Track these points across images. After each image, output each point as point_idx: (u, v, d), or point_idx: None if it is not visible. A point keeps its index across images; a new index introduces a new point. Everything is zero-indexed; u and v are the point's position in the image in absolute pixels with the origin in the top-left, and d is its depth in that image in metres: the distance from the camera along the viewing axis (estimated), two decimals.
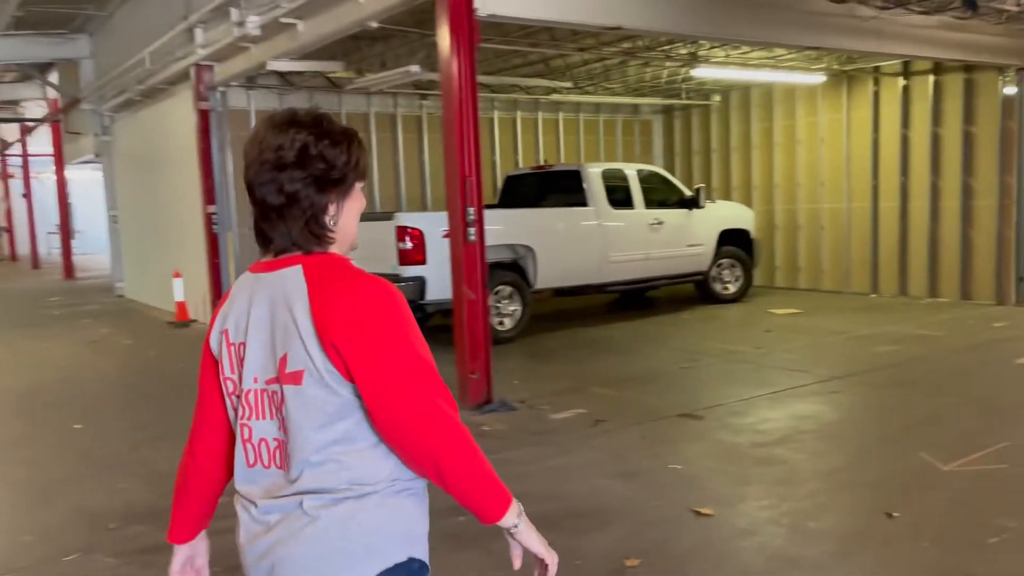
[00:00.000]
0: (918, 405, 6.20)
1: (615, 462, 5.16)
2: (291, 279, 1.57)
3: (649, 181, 10.77)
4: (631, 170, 10.86)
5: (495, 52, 9.84)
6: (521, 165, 13.34)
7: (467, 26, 6.27)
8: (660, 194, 10.72)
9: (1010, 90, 10.33)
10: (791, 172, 12.97)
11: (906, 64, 11.30)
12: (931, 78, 11.10)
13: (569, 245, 9.95)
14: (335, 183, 1.60)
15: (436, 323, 9.01)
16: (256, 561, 1.60)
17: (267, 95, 11.39)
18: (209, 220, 11.10)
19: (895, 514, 4.16)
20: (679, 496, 4.55)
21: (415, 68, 9.10)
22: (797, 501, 4.49)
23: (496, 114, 13.44)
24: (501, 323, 9.23)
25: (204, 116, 10.93)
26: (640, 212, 10.45)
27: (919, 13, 8.68)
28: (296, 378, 1.53)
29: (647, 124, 15.34)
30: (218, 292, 11.00)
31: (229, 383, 1.66)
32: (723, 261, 11.45)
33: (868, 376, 7.15)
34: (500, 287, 9.25)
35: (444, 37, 6.36)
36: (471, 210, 6.41)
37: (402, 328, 1.55)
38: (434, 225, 8.34)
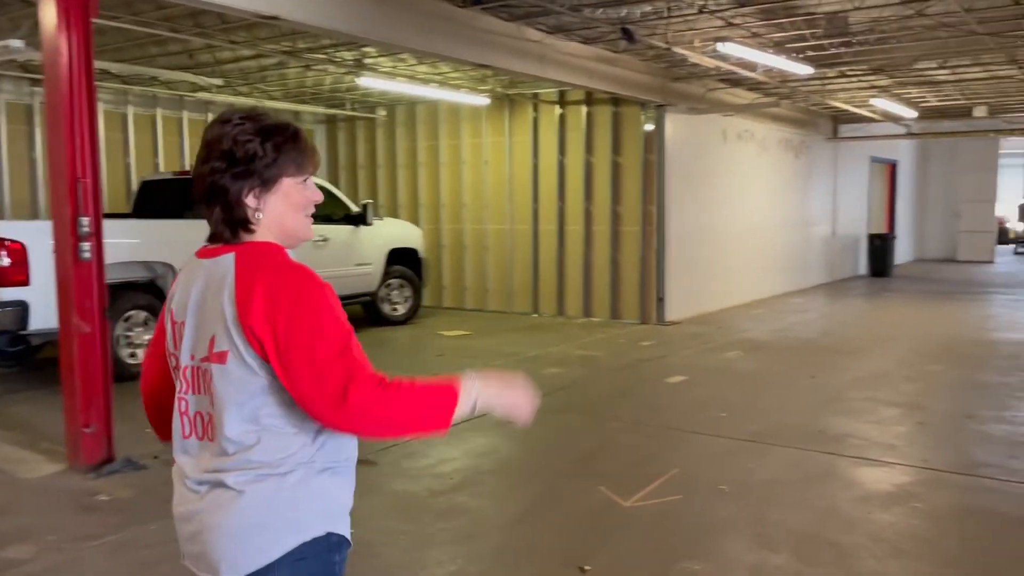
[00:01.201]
0: (590, 432, 6.10)
1: None
2: (224, 266, 1.68)
3: None
4: None
5: (127, 35, 8.32)
6: (162, 169, 11.69)
7: None
8: (324, 209, 9.77)
9: (650, 126, 11.14)
10: (457, 192, 12.90)
11: (562, 93, 11.75)
12: (584, 108, 11.65)
13: None
14: (250, 175, 1.69)
15: (48, 355, 7.29)
16: (186, 529, 1.72)
17: None
18: None
19: (587, 567, 3.80)
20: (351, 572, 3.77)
21: (17, 43, 7.31)
22: (484, 562, 3.96)
23: (132, 109, 11.62)
24: (133, 355, 7.73)
25: None
26: None
27: (579, 42, 8.90)
28: (221, 357, 1.64)
29: (308, 133, 14.39)
30: None
31: (172, 358, 1.79)
32: (392, 281, 10.95)
33: (541, 402, 6.99)
34: (132, 312, 7.76)
35: (48, 5, 4.99)
36: (85, 220, 5.07)
37: (316, 314, 1.62)
38: (42, 237, 6.67)
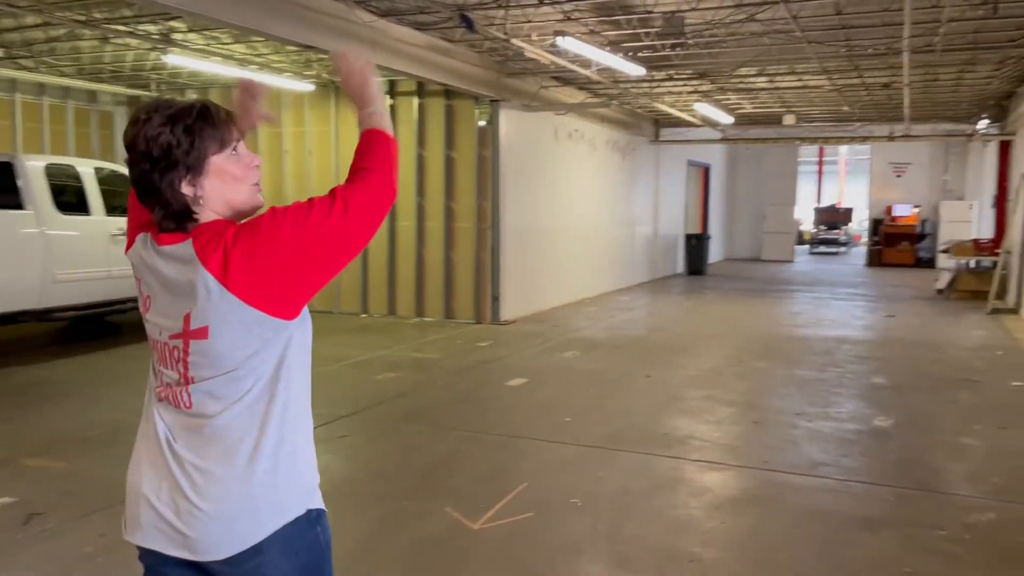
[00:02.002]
0: (431, 444, 5.69)
1: None
2: (186, 253, 1.65)
3: (111, 183, 8.79)
4: (87, 168, 8.77)
5: None
6: None
7: None
8: (126, 198, 8.81)
9: (484, 121, 10.87)
10: (279, 183, 12.03)
11: (393, 83, 11.25)
12: (416, 100, 11.20)
13: None
14: (174, 167, 1.65)
15: None
16: (153, 500, 1.69)
17: None
18: None
19: None
20: None
21: None
22: None
23: None
24: None
25: None
26: (99, 219, 8.46)
27: (413, 28, 8.45)
28: (202, 333, 1.63)
29: (107, 115, 12.97)
30: None
31: (146, 323, 1.77)
32: None
33: (376, 411, 6.51)
34: None
35: None
36: None
37: (268, 217, 1.62)
38: None
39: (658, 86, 11.77)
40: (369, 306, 11.70)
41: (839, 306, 13.27)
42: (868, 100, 12.95)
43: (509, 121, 11.11)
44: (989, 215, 18.53)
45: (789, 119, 14.06)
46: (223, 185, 1.70)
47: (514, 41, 7.80)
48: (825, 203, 29.51)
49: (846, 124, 16.36)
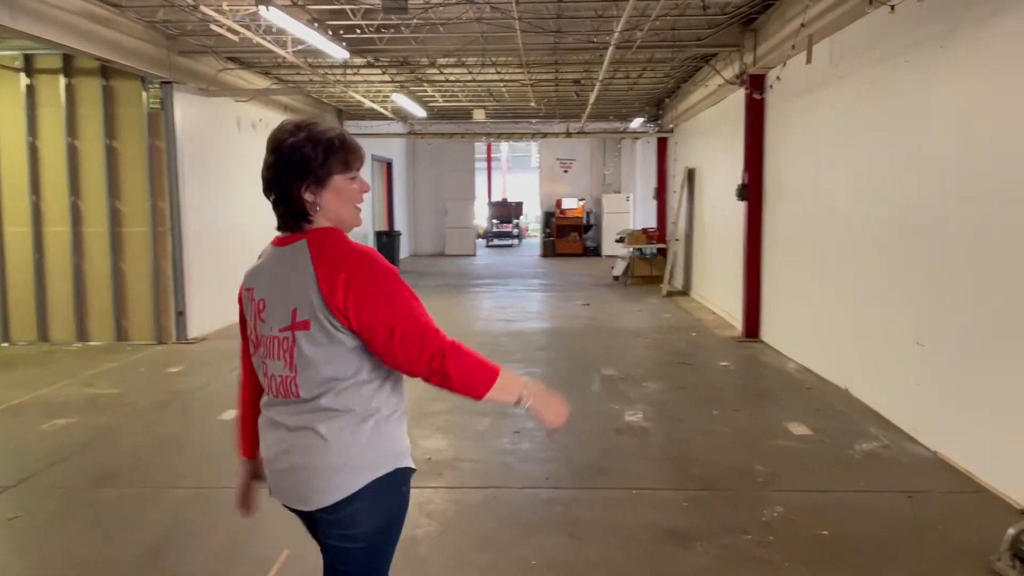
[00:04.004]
0: (143, 513, 4.43)
1: None
2: (299, 250, 2.02)
3: None
4: None
5: None
6: None
7: None
8: None
9: (155, 105, 9.25)
10: None
11: (29, 58, 9.15)
12: (62, 79, 9.21)
13: None
14: (305, 175, 2.01)
15: None
16: (276, 467, 2.10)
17: None
18: None
19: None
20: None
21: None
22: None
23: None
24: None
25: None
26: None
27: None
28: (305, 325, 1.98)
29: None
30: None
31: (251, 331, 2.14)
32: None
33: (53, 475, 5.00)
34: None
35: None
36: None
37: (386, 280, 2.00)
38: None
39: (356, 73, 10.96)
40: (10, 332, 9.46)
41: (537, 297, 13.56)
42: (555, 96, 13.34)
43: (186, 107, 9.60)
44: (644, 206, 20.43)
45: (479, 114, 14.05)
46: (338, 201, 2.07)
47: (205, 9, 6.54)
48: (495, 198, 30.70)
49: (527, 120, 16.86)
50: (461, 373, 2.00)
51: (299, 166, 1.99)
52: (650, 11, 7.35)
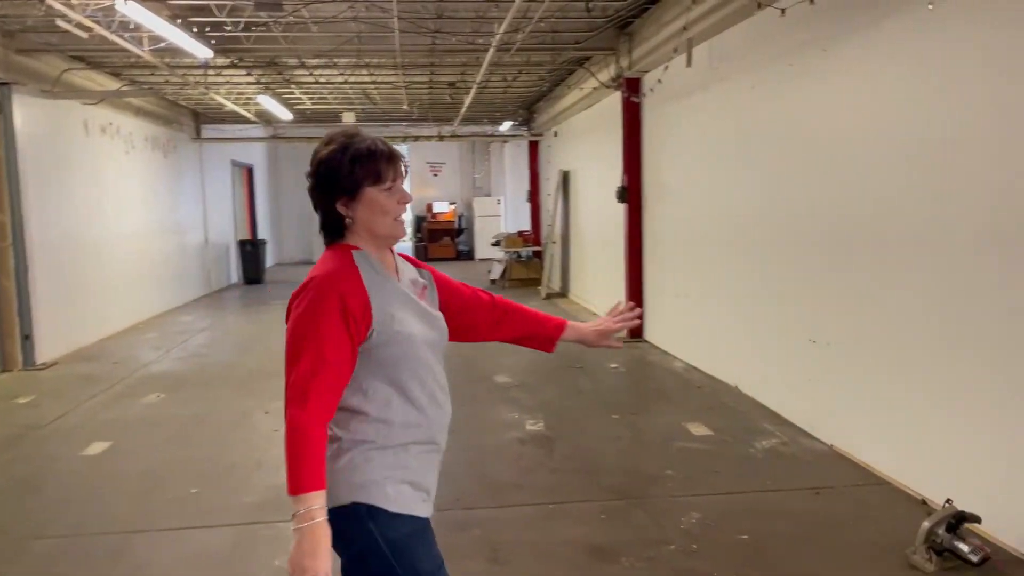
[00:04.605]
0: (1, 569, 3.88)
1: None
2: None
3: None
4: None
5: None
6: None
7: None
8: None
9: None
10: None
11: None
12: None
13: None
14: (335, 188, 1.94)
15: None
16: None
17: None
18: None
19: None
20: None
21: None
22: None
23: None
24: None
25: None
26: None
27: None
28: None
29: None
30: None
31: None
32: None
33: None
34: None
35: None
36: None
37: (303, 320, 1.87)
38: None
39: (218, 73, 10.31)
40: None
41: None
42: (429, 99, 13.08)
43: (27, 111, 8.70)
44: (516, 209, 20.48)
45: (348, 117, 13.59)
46: (371, 215, 1.97)
47: (51, 2, 5.90)
48: None
49: (399, 123, 16.51)
50: (287, 452, 1.82)
51: (328, 179, 1.93)
52: (532, 12, 7.25)
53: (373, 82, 11.30)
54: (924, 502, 4.31)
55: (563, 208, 14.02)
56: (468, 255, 21.98)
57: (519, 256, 15.64)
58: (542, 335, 2.34)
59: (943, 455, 4.24)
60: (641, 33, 8.38)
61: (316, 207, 2.00)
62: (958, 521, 3.64)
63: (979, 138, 3.89)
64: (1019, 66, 3.63)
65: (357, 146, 1.93)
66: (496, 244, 16.33)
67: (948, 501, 3.74)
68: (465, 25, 7.91)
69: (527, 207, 17.41)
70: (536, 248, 15.76)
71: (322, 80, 11.19)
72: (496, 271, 15.93)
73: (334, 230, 1.99)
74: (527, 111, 15.99)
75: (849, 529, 4.10)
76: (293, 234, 22.70)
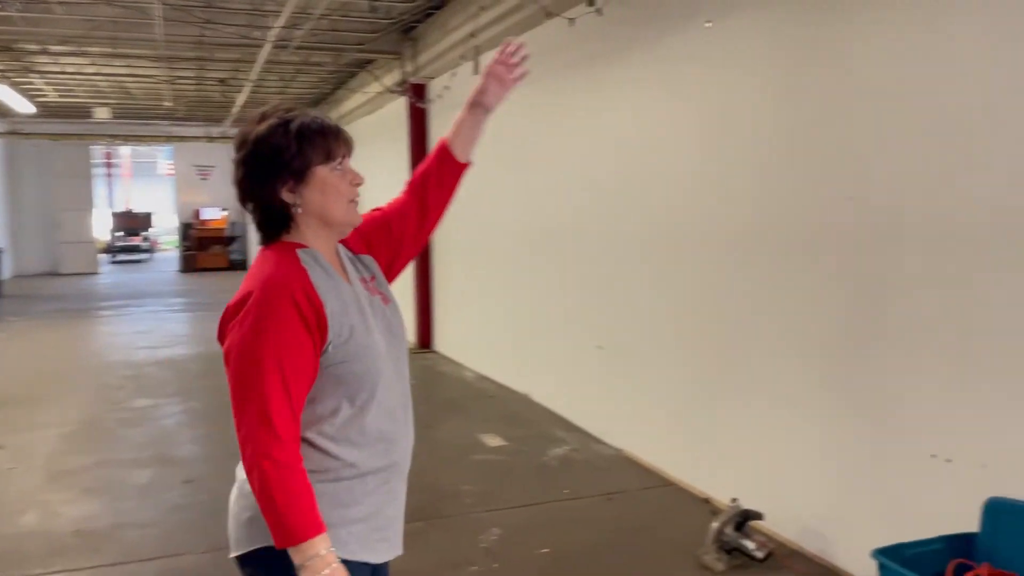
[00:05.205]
0: None
1: None
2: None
3: None
4: None
5: None
6: None
7: None
8: None
9: None
10: None
11: None
12: None
13: None
14: (279, 171, 1.64)
15: None
16: None
17: None
18: None
19: None
20: None
21: None
22: None
23: None
24: None
25: None
26: None
27: None
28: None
29: None
30: None
31: None
32: None
33: None
34: None
35: None
36: None
37: (251, 338, 1.57)
38: None
39: None
40: None
41: (184, 318, 12.24)
42: (196, 97, 12.14)
43: None
44: None
45: (103, 112, 12.29)
46: (323, 197, 1.68)
47: None
48: (119, 208, 27.56)
49: (160, 121, 15.22)
50: (276, 496, 1.53)
51: (271, 160, 1.63)
52: (313, 9, 6.87)
53: (131, 75, 10.28)
54: (707, 500, 4.48)
55: None
56: (242, 265, 20.76)
57: None
58: (455, 149, 2.01)
59: (724, 454, 4.43)
60: (426, 38, 8.24)
61: (250, 199, 1.67)
62: (744, 519, 3.78)
63: (757, 156, 4.10)
64: (796, 87, 3.86)
65: (302, 120, 1.66)
66: None
67: (734, 500, 3.88)
68: (238, 17, 7.34)
69: None
70: None
71: (70, 70, 10.01)
72: None
73: (277, 224, 1.68)
74: None
75: (643, 533, 4.16)
76: (35, 242, 20.24)
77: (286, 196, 1.66)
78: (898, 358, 3.32)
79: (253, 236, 20.17)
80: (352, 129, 12.44)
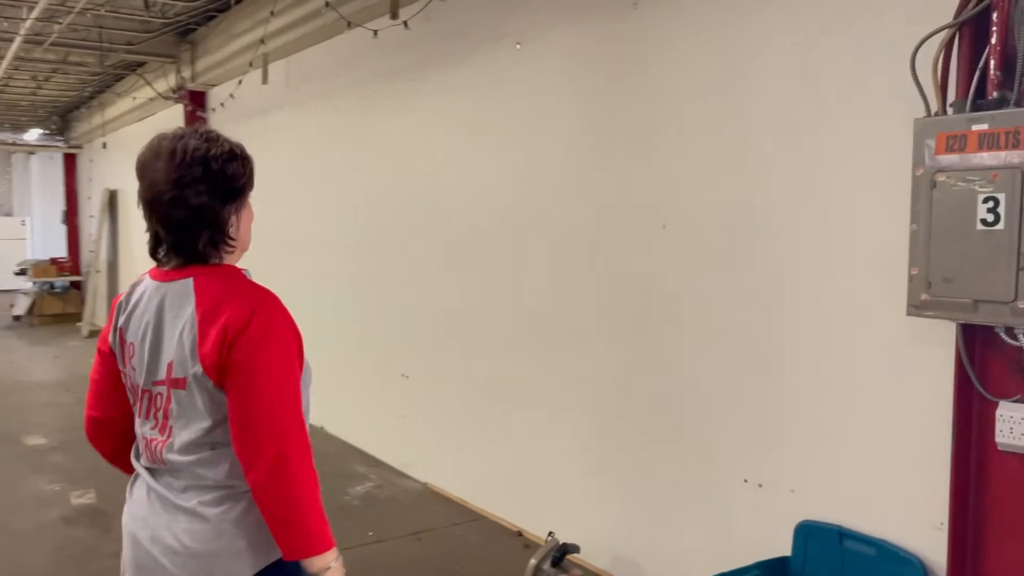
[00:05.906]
0: None
1: None
2: (183, 291, 1.66)
3: None
4: None
5: None
6: None
7: None
8: None
9: None
10: None
11: None
12: None
13: None
14: (235, 195, 1.69)
15: None
16: (138, 539, 1.69)
17: None
18: None
19: None
20: None
21: None
22: None
23: None
24: None
25: None
26: None
27: None
28: (178, 384, 1.63)
29: None
30: None
31: (125, 376, 1.76)
32: None
33: None
34: None
35: None
36: None
37: (269, 349, 1.60)
38: None
39: None
40: None
41: None
42: None
43: None
44: (48, 232, 17.61)
45: None
46: (248, 223, 1.77)
47: None
48: None
49: None
50: (291, 506, 1.58)
51: (229, 184, 1.68)
52: (73, 1, 6.09)
53: None
54: (520, 533, 4.35)
55: (111, 232, 12.32)
56: None
57: (52, 287, 13.37)
58: None
59: (534, 485, 4.32)
60: (206, 43, 7.61)
61: (201, 219, 1.65)
62: (562, 554, 3.68)
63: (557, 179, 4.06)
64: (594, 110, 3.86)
65: (241, 147, 1.72)
66: (21, 273, 13.75)
67: (551, 534, 3.77)
68: None
69: (63, 230, 15.01)
70: (75, 278, 13.64)
71: None
72: (21, 305, 13.41)
73: (215, 244, 1.69)
74: (62, 118, 13.84)
75: (457, 574, 3.95)
76: None
77: (232, 220, 1.70)
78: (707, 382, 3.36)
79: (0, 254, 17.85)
80: (119, 137, 11.37)
